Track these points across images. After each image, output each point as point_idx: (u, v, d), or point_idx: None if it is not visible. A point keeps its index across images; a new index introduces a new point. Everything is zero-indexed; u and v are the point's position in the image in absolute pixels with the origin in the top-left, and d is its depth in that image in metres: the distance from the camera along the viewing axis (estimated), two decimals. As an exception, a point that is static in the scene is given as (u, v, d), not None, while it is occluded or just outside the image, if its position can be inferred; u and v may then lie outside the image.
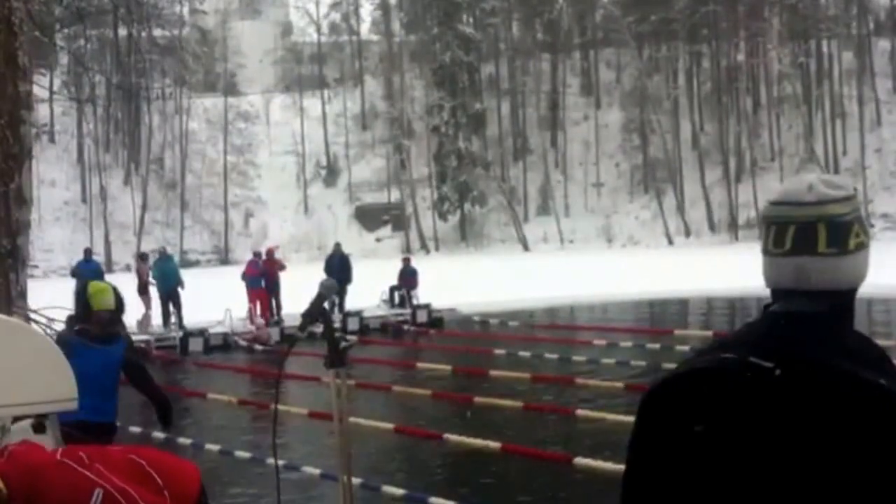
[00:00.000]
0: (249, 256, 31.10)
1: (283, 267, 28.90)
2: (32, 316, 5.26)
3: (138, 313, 26.77)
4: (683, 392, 1.97)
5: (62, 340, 7.33)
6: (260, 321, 27.10)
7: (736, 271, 24.84)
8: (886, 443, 1.76)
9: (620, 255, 56.59)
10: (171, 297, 26.76)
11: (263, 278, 28.24)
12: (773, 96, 73.94)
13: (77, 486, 3.60)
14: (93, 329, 7.44)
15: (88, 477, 3.65)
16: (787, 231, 1.98)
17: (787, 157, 70.28)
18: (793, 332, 1.92)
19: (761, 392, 1.85)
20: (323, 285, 4.76)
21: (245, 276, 28.47)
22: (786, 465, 1.81)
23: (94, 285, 7.75)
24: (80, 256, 30.00)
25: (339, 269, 27.94)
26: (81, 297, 7.65)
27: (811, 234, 1.95)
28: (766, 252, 2.04)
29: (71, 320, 7.75)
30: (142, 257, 30.29)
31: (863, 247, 2.00)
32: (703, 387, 1.93)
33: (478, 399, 14.92)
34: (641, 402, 2.06)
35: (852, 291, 2.00)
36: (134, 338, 26.51)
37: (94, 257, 30.68)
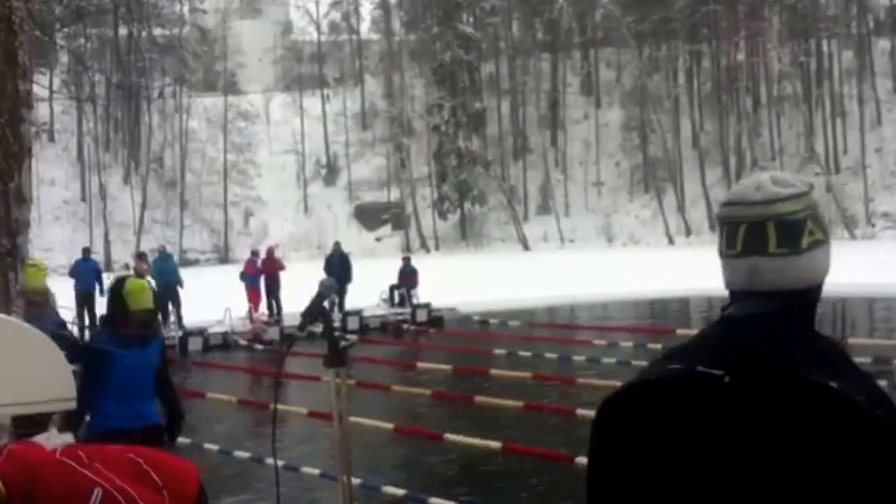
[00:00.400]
0: (249, 255, 31.09)
1: (282, 267, 28.90)
2: (32, 315, 5.26)
3: None
4: (635, 406, 1.94)
5: (96, 345, 7.33)
6: (257, 315, 27.20)
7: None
8: (836, 446, 1.72)
9: (621, 255, 56.59)
10: (170, 296, 26.75)
11: (263, 277, 28.29)
12: (773, 95, 73.93)
13: (76, 485, 3.59)
14: (129, 331, 7.13)
15: (87, 476, 3.64)
16: (738, 232, 1.96)
17: (788, 157, 70.29)
18: (744, 337, 1.88)
19: (711, 402, 1.82)
20: (322, 284, 4.75)
21: (245, 275, 28.49)
22: (739, 475, 1.77)
23: (131, 283, 7.33)
24: (80, 255, 29.97)
25: (338, 268, 27.96)
26: (115, 296, 7.25)
27: (761, 234, 1.93)
28: (720, 253, 2.02)
29: (105, 322, 7.63)
30: (140, 256, 30.29)
31: (818, 244, 1.97)
32: (654, 400, 1.90)
33: (478, 398, 14.92)
34: (596, 416, 2.03)
35: (811, 290, 1.96)
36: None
37: (93, 256, 30.66)
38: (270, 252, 29.76)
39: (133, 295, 7.09)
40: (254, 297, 28.05)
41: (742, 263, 1.95)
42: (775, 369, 1.79)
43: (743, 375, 1.81)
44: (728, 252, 1.98)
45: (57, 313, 10.82)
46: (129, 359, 7.01)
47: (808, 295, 1.95)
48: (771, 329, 1.88)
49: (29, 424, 4.93)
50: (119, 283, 7.30)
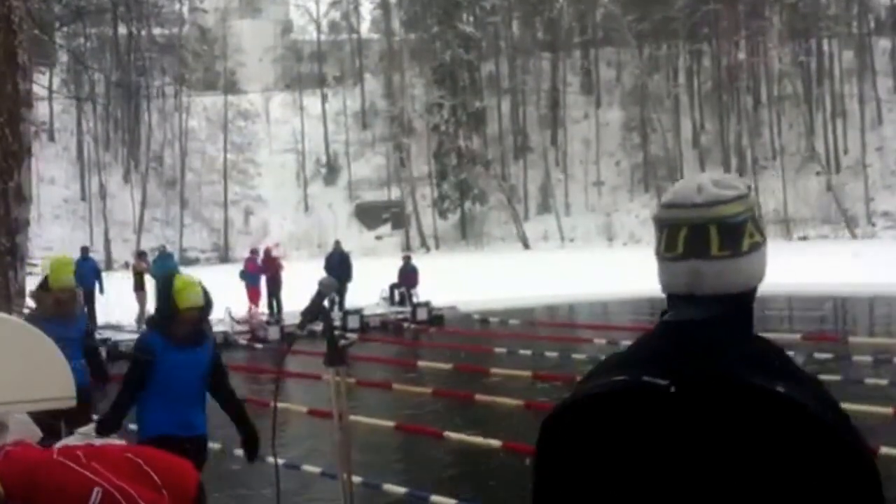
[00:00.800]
0: (248, 254, 31.10)
1: (279, 266, 28.93)
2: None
3: (134, 311, 26.86)
4: (581, 421, 1.90)
5: (143, 346, 6.89)
6: (255, 310, 27.25)
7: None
8: (785, 449, 1.69)
9: (621, 254, 56.49)
10: None
11: (264, 276, 28.31)
12: (773, 95, 73.95)
13: (76, 485, 3.60)
14: (178, 330, 6.72)
15: (86, 476, 3.64)
16: (678, 234, 1.92)
17: (788, 156, 70.26)
18: (687, 343, 1.85)
19: (658, 413, 1.78)
20: (322, 283, 4.74)
21: (245, 274, 28.49)
22: (692, 486, 1.74)
23: (179, 280, 6.88)
24: (79, 255, 30.00)
25: (339, 267, 27.94)
26: (164, 293, 6.84)
27: (703, 237, 1.89)
28: (658, 256, 1.98)
29: (152, 322, 7.15)
30: (140, 255, 30.30)
31: (757, 246, 1.93)
32: (600, 414, 1.87)
33: (479, 397, 14.92)
34: (540, 434, 1.99)
35: (749, 293, 1.93)
36: (131, 337, 26.38)
37: (93, 255, 30.67)
38: (268, 252, 29.79)
39: (182, 292, 6.71)
40: (254, 296, 28.06)
41: (683, 266, 1.90)
42: (721, 376, 1.76)
43: (689, 384, 1.77)
44: (667, 255, 1.94)
45: (84, 315, 10.40)
46: (178, 358, 6.67)
47: (746, 298, 1.92)
48: (714, 334, 1.84)
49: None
50: (168, 280, 6.94)
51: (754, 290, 1.94)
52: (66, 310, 8.17)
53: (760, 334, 1.92)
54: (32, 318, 7.20)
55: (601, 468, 1.84)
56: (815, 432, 1.70)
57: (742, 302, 1.91)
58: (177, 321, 6.69)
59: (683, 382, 1.78)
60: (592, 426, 1.87)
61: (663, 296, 2.00)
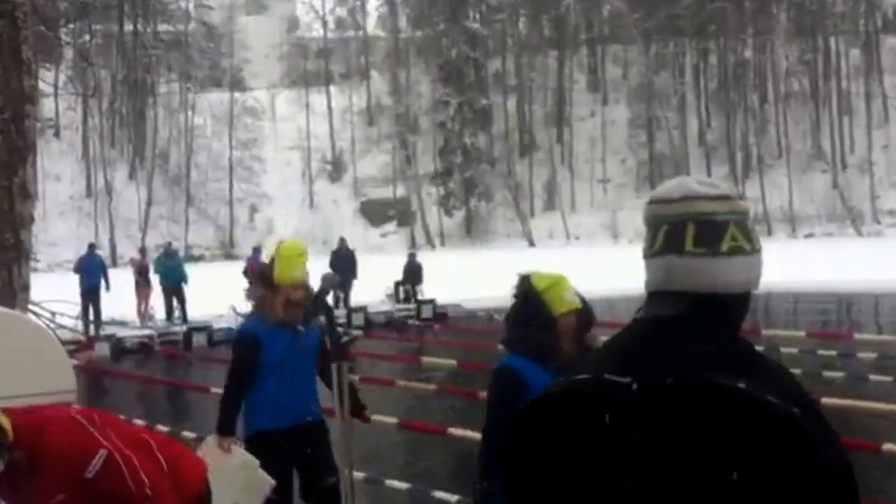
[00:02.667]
0: (251, 252, 31.21)
1: None
2: (34, 308, 5.27)
3: (139, 308, 26.95)
4: (545, 420, 1.89)
5: (248, 332, 6.38)
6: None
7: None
8: (747, 447, 1.66)
9: (627, 251, 56.31)
10: (175, 292, 26.87)
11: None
12: (780, 93, 73.84)
13: (82, 444, 3.65)
14: (286, 313, 6.17)
15: (95, 437, 3.69)
16: (658, 231, 1.92)
17: (795, 154, 70.19)
18: (651, 340, 1.83)
19: (620, 411, 1.77)
20: (324, 279, 4.75)
21: (248, 273, 28.53)
22: (653, 486, 1.72)
23: (285, 247, 6.38)
24: (85, 251, 30.07)
25: (344, 264, 27.95)
26: (267, 273, 6.30)
27: (679, 233, 1.88)
28: (643, 255, 1.98)
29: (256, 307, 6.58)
30: (140, 251, 30.41)
31: (741, 252, 1.89)
32: (564, 412, 1.85)
33: (483, 394, 14.88)
34: (506, 434, 1.99)
35: (729, 298, 1.89)
36: (135, 333, 26.33)
37: (98, 252, 30.73)
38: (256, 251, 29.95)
39: (284, 262, 6.18)
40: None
41: (658, 262, 1.90)
42: (682, 374, 1.74)
43: (649, 382, 1.75)
44: (647, 252, 1.95)
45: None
46: (288, 342, 6.17)
47: (725, 302, 1.88)
48: (681, 332, 1.83)
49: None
50: (276, 251, 6.34)
51: (738, 298, 1.91)
52: (298, 314, 6.41)
53: (764, 332, 1.90)
54: (251, 329, 6.39)
55: (564, 466, 1.83)
56: (777, 427, 1.67)
57: (717, 305, 1.87)
58: (276, 298, 6.17)
59: (645, 380, 1.76)
60: (556, 424, 1.85)
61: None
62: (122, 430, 3.97)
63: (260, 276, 6.85)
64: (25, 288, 5.69)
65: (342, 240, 31.88)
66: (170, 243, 32.69)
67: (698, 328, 1.84)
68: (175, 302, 27.00)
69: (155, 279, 27.52)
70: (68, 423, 3.69)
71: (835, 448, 1.73)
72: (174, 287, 26.94)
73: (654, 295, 1.92)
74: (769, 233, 63.15)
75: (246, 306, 27.23)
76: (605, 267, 40.77)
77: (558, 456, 1.84)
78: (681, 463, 1.70)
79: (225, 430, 6.16)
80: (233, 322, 26.09)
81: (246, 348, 6.25)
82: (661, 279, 1.90)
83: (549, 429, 1.87)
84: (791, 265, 32.35)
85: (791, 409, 1.69)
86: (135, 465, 3.77)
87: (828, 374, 13.63)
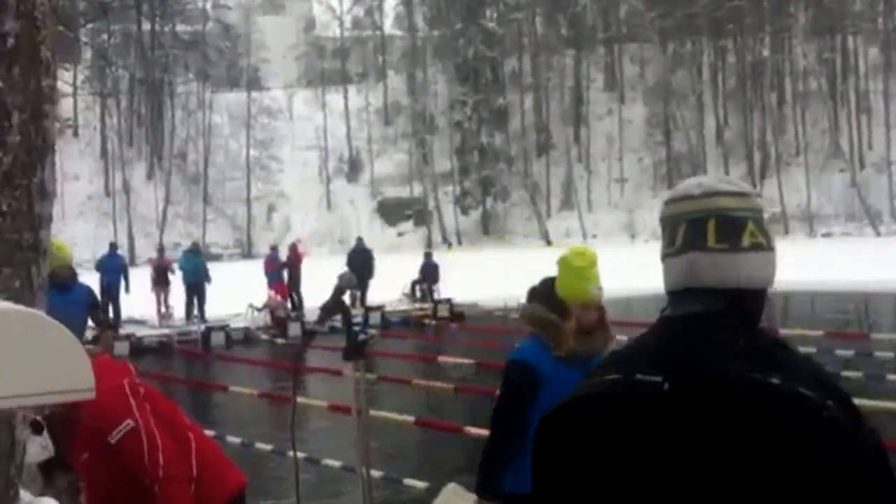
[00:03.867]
0: (269, 252, 31.33)
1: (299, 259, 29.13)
2: (53, 307, 5.30)
3: (158, 307, 27.06)
4: (576, 421, 1.89)
5: (523, 362, 4.87)
6: (274, 296, 27.42)
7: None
8: (785, 441, 1.67)
9: (644, 251, 56.33)
10: (197, 290, 27.01)
11: (287, 271, 28.46)
12: (798, 91, 73.61)
13: (115, 409, 3.72)
14: (566, 343, 4.74)
15: (130, 406, 3.74)
16: (678, 229, 1.93)
17: (813, 153, 69.94)
18: (681, 338, 1.84)
19: (652, 410, 1.76)
20: (341, 278, 4.76)
21: (268, 273, 28.66)
22: (688, 484, 1.72)
23: (574, 254, 4.97)
24: (105, 250, 30.17)
25: (361, 263, 27.99)
26: (548, 290, 4.94)
27: (701, 230, 1.89)
28: (662, 255, 1.98)
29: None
30: (159, 251, 30.53)
31: (760, 248, 1.91)
32: (595, 413, 1.85)
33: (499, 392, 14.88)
34: (538, 429, 1.99)
35: (750, 294, 1.90)
36: (154, 332, 26.40)
37: (119, 252, 30.88)
38: (294, 247, 29.95)
39: (574, 274, 4.88)
40: (280, 291, 28.13)
41: (680, 260, 1.91)
42: (715, 371, 1.74)
43: (681, 380, 1.75)
44: (667, 251, 1.95)
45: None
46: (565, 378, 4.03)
47: (747, 298, 1.89)
48: (709, 329, 1.83)
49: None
50: (562, 262, 4.98)
51: (757, 293, 1.92)
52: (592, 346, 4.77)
53: (781, 331, 1.90)
54: (532, 363, 4.81)
55: (598, 468, 1.83)
56: (813, 420, 1.68)
57: (741, 300, 1.88)
58: (566, 314, 4.75)
59: (677, 379, 1.76)
60: (588, 426, 1.86)
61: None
62: (162, 410, 4.03)
63: (539, 294, 5.07)
64: (43, 287, 5.71)
65: (359, 239, 31.93)
66: (196, 242, 32.83)
67: (726, 324, 1.84)
68: (195, 301, 27.13)
69: (177, 276, 27.63)
70: (113, 387, 3.76)
71: (870, 438, 1.73)
72: (197, 284, 27.07)
73: (678, 293, 1.93)
74: (787, 232, 62.95)
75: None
76: (622, 266, 40.75)
77: (591, 456, 1.84)
78: (718, 459, 1.70)
79: (486, 491, 4.85)
80: (249, 322, 26.25)
81: (520, 378, 4.84)
82: (685, 277, 1.90)
83: (581, 430, 1.87)
84: (809, 264, 32.26)
85: (825, 401, 1.70)
86: (156, 444, 3.82)
87: (846, 373, 13.58)
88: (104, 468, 3.89)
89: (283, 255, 29.86)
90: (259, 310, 26.88)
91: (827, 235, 63.20)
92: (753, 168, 70.34)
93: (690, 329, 1.85)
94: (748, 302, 1.90)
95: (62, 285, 9.40)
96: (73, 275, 10.36)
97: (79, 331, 9.25)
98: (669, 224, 1.96)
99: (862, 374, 14.03)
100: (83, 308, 10.57)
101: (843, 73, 74.15)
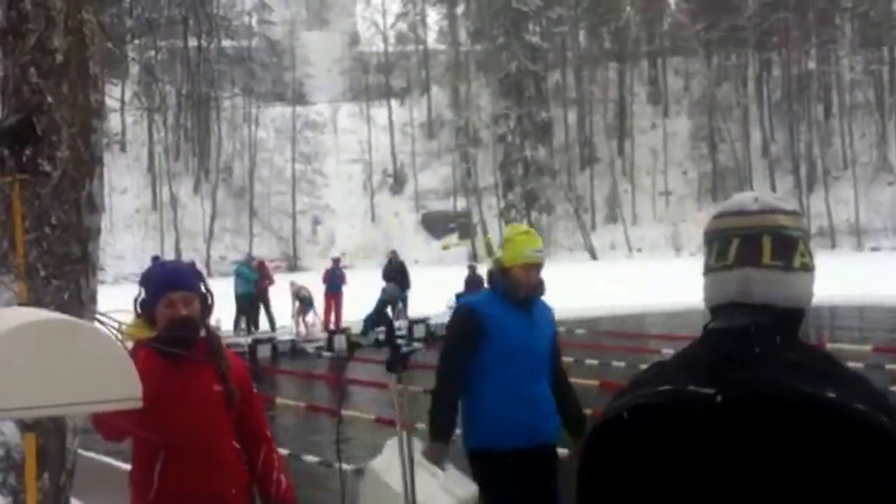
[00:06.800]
0: (326, 263, 31.59)
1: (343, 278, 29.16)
2: (101, 318, 5.35)
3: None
4: (627, 433, 1.87)
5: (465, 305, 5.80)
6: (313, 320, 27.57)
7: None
8: (842, 458, 1.65)
9: (689, 264, 55.96)
10: (250, 302, 27.18)
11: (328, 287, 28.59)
12: (845, 104, 73.04)
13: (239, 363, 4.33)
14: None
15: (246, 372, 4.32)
16: (730, 244, 1.91)
17: (860, 166, 69.33)
18: (733, 350, 1.81)
19: (705, 422, 1.75)
20: (385, 291, 4.81)
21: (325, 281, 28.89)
22: (741, 496, 1.70)
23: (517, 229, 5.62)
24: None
25: (397, 276, 28.03)
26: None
27: (755, 246, 1.88)
28: (708, 269, 1.96)
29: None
30: (206, 264, 30.67)
31: (807, 268, 1.91)
32: (646, 425, 1.83)
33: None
34: (585, 447, 1.96)
35: (796, 312, 1.90)
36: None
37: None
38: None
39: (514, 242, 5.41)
40: (326, 307, 28.25)
41: (732, 276, 1.89)
42: (769, 384, 1.72)
43: (734, 392, 1.74)
44: (717, 265, 1.93)
45: None
46: (514, 327, 5.32)
47: (794, 316, 1.90)
48: (759, 342, 1.81)
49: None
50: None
51: (801, 312, 1.92)
52: None
53: (828, 346, 1.89)
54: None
55: (648, 481, 1.82)
56: (869, 436, 1.66)
57: (789, 318, 1.88)
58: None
59: (730, 391, 1.75)
60: (638, 438, 1.84)
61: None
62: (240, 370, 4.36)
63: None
64: (93, 299, 5.78)
65: (393, 252, 32.06)
66: (249, 254, 32.93)
67: (778, 339, 1.83)
68: (242, 314, 27.28)
69: (230, 286, 27.74)
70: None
71: None
72: (249, 296, 27.22)
73: (726, 307, 1.91)
74: (834, 246, 62.41)
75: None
76: (667, 279, 40.58)
77: (642, 468, 1.83)
78: (772, 473, 1.69)
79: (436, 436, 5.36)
80: (294, 334, 26.38)
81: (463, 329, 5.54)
82: (737, 292, 1.89)
83: (631, 441, 1.86)
84: (857, 279, 31.94)
85: (881, 417, 1.69)
86: (259, 407, 4.44)
87: (895, 388, 13.43)
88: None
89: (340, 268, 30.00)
90: (306, 327, 27.11)
91: (875, 249, 62.55)
92: (800, 181, 69.79)
93: (742, 342, 1.83)
94: (794, 319, 1.90)
95: None
96: None
97: None
98: (720, 238, 1.95)
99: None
100: None
101: (890, 84, 73.49)
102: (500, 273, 5.39)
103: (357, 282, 28.40)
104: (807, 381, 1.72)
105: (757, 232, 1.90)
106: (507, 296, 5.34)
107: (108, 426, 3.80)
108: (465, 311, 5.54)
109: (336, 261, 30.61)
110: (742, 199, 1.97)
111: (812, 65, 74.01)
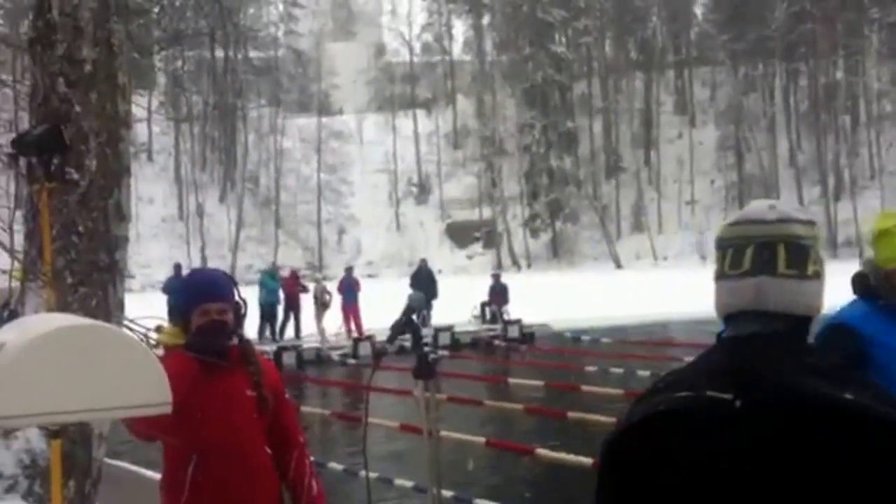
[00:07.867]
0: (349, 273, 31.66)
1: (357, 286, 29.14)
2: (129, 325, 5.38)
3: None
4: (645, 440, 1.88)
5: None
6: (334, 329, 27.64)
7: (834, 289, 24.41)
8: (862, 458, 1.66)
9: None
10: (271, 311, 27.33)
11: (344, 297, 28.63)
12: (872, 114, 72.64)
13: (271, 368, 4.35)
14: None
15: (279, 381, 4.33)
16: (745, 251, 1.93)
17: (888, 175, 68.96)
18: (749, 356, 1.83)
19: (724, 427, 1.76)
20: (411, 298, 4.81)
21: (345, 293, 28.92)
22: (765, 501, 1.71)
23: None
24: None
25: (424, 284, 28.07)
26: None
27: (771, 254, 1.90)
28: (720, 276, 1.98)
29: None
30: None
31: (819, 277, 1.93)
32: (665, 431, 1.84)
33: (571, 414, 14.79)
34: (603, 454, 1.97)
35: (808, 321, 1.92)
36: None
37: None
38: (349, 272, 30.16)
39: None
40: (346, 315, 28.29)
41: (747, 283, 1.91)
42: (787, 388, 1.74)
43: (753, 397, 1.76)
44: (731, 272, 1.95)
45: None
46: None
47: (806, 324, 1.92)
48: (774, 348, 1.84)
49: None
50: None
51: (811, 320, 1.94)
52: None
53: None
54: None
55: (668, 488, 1.82)
56: (889, 437, 1.68)
57: (801, 326, 1.91)
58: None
59: (749, 396, 1.76)
60: (658, 444, 1.85)
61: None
62: (271, 370, 4.38)
63: None
64: (120, 307, 5.83)
65: (423, 261, 32.13)
66: (274, 263, 33.03)
67: (793, 344, 1.86)
68: (267, 322, 27.38)
69: (254, 295, 27.84)
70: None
71: None
72: (271, 305, 27.36)
73: (741, 314, 1.93)
74: (861, 255, 61.95)
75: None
76: (692, 288, 40.34)
77: (662, 474, 1.84)
78: (794, 475, 1.70)
79: None
80: (320, 342, 26.45)
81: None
82: (752, 299, 1.90)
83: (650, 447, 1.86)
84: (884, 288, 31.68)
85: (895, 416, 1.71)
86: (289, 406, 4.43)
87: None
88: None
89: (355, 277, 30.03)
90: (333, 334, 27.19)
91: (903, 259, 62.22)
92: (827, 191, 69.40)
93: (759, 347, 1.85)
94: (805, 327, 1.92)
95: None
96: None
97: None
98: (734, 245, 1.97)
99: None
100: None
101: (918, 94, 73.12)
102: (883, 278, 4.27)
103: (383, 291, 28.46)
104: (825, 383, 1.74)
105: (772, 240, 1.92)
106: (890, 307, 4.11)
107: (138, 430, 3.84)
108: (840, 329, 4.08)
109: (349, 269, 30.73)
110: (759, 207, 1.99)
111: (839, 75, 73.69)
